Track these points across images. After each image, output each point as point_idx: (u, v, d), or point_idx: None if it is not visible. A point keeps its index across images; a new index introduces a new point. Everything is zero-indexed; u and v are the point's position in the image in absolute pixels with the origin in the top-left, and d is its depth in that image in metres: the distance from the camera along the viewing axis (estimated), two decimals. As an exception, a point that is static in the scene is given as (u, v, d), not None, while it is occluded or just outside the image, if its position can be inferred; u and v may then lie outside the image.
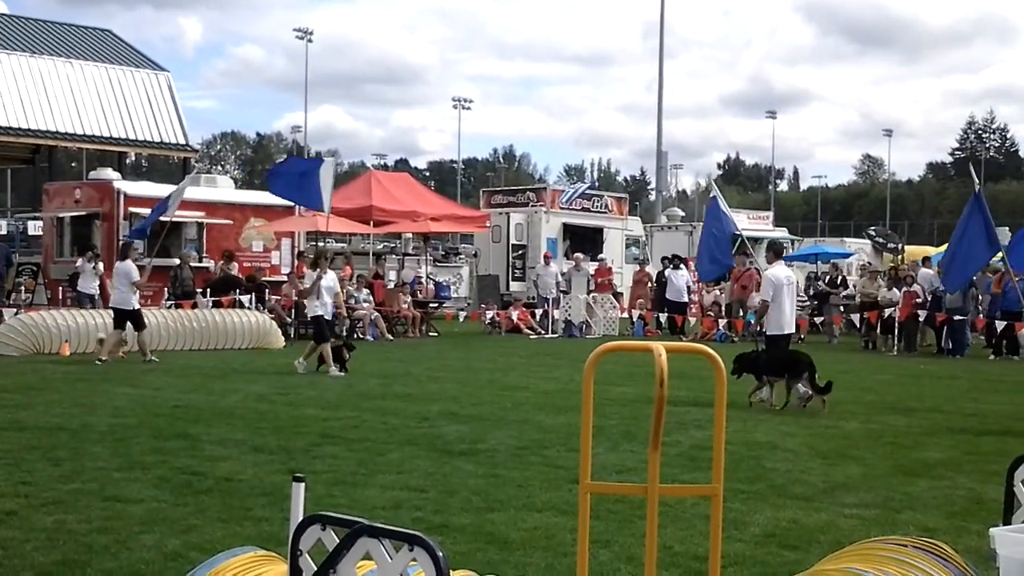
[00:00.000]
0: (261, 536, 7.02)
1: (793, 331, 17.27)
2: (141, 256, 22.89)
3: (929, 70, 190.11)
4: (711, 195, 21.99)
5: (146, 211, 28.56)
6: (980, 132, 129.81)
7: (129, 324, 20.31)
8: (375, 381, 17.53)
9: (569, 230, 37.63)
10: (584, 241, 36.88)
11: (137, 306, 20.44)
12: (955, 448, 12.00)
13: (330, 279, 19.56)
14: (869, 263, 41.19)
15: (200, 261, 29.27)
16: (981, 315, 26.99)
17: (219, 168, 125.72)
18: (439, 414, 13.72)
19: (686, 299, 31.14)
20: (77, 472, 9.50)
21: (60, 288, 29.54)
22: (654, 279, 33.20)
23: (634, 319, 31.82)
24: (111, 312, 20.76)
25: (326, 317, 19.24)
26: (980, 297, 27.33)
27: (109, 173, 33.04)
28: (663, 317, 30.67)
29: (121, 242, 21.78)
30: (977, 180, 17.13)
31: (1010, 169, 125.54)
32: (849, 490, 9.54)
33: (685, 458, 10.77)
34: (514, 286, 36.25)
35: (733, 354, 15.50)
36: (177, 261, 27.23)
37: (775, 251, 17.14)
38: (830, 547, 6.37)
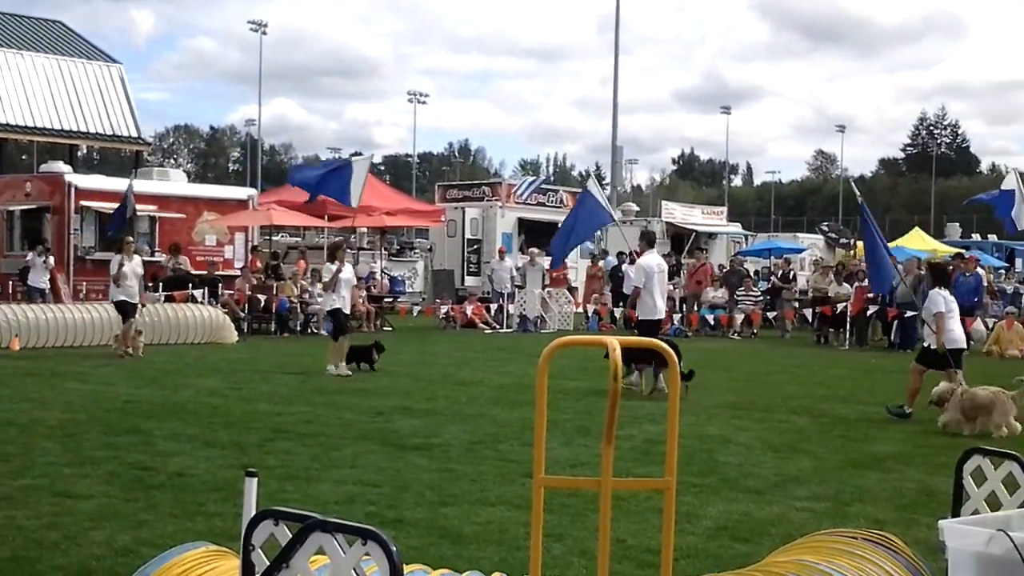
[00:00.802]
0: (213, 531, 6.98)
1: (663, 317, 18.14)
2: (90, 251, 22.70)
3: (881, 66, 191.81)
4: (588, 186, 22.40)
5: (98, 204, 28.38)
6: (931, 128, 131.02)
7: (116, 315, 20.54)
8: (329, 376, 17.47)
9: (524, 225, 37.64)
10: (539, 236, 36.88)
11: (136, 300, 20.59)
12: (905, 441, 12.13)
13: (348, 272, 19.08)
14: (822, 258, 41.50)
15: (152, 255, 29.03)
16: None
17: (172, 161, 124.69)
18: (393, 409, 13.70)
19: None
20: (27, 468, 9.40)
21: (10, 282, 29.19)
22: (608, 274, 33.28)
23: (589, 314, 31.89)
24: (113, 306, 20.83)
25: (344, 311, 18.69)
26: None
27: (60, 166, 32.68)
28: (618, 312, 30.76)
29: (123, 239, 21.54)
30: (859, 193, 17.36)
31: (961, 165, 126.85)
32: (800, 483, 9.62)
33: (639, 452, 10.82)
34: (469, 281, 36.24)
35: (686, 349, 15.62)
36: (129, 255, 26.99)
37: (648, 240, 18.05)
38: (781, 540, 6.42)
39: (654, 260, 17.43)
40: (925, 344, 14.79)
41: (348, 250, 32.95)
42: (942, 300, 14.37)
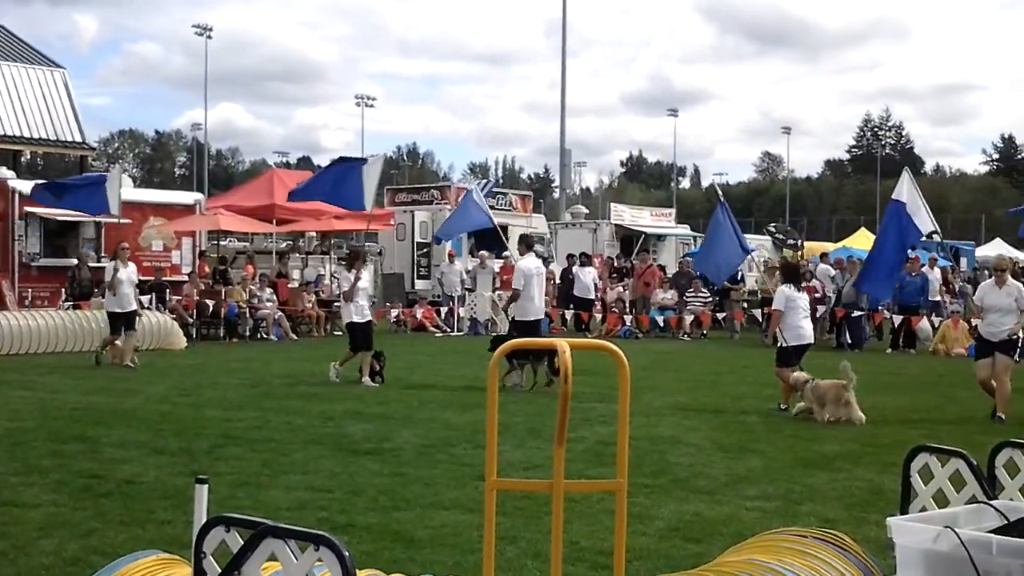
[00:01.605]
0: (164, 539, 6.93)
1: (541, 317, 18.87)
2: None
3: (826, 69, 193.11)
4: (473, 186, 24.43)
5: (42, 211, 28.00)
6: (876, 130, 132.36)
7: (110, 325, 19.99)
8: (279, 381, 17.38)
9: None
10: (489, 239, 36.86)
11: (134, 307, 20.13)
12: (854, 440, 12.24)
13: (366, 280, 18.43)
14: (770, 259, 41.81)
15: (99, 261, 28.70)
16: (881, 310, 27.51)
17: (117, 166, 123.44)
18: (344, 413, 13.65)
19: (592, 296, 31.32)
20: (-28, 477, 9.28)
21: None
22: (558, 276, 33.33)
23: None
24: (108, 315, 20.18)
25: (361, 322, 17.67)
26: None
27: (4, 172, 32.24)
28: (569, 314, 30.82)
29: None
30: (721, 194, 18.12)
31: (905, 166, 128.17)
32: (751, 483, 9.68)
33: (591, 453, 10.85)
34: (419, 284, 36.12)
35: (637, 350, 15.69)
36: (75, 261, 26.74)
37: (527, 244, 18.82)
38: (732, 539, 6.46)
39: (533, 263, 18.01)
40: (778, 345, 15.31)
41: (250, 255, 32.83)
42: (784, 298, 15.00)
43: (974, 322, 19.16)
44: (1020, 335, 14.62)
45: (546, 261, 35.63)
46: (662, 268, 34.40)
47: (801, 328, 15.01)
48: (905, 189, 16.30)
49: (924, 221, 16.01)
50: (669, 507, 8.52)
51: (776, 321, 15.08)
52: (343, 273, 18.90)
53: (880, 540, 6.39)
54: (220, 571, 3.46)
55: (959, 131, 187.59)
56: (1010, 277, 14.51)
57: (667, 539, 7.53)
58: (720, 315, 30.62)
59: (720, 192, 18.18)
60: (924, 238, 20.75)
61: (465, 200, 23.35)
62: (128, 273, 19.81)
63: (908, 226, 16.17)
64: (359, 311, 17.65)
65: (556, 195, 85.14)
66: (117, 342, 19.79)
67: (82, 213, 26.39)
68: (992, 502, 4.95)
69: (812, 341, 15.66)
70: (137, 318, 20.29)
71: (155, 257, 30.58)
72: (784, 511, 8.47)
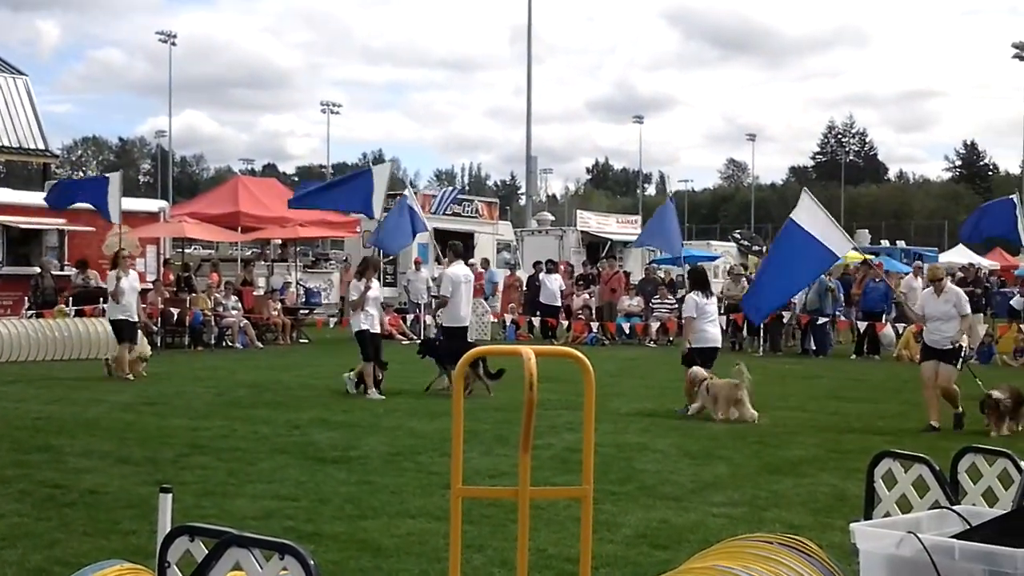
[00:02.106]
0: (128, 549, 6.89)
1: (467, 324, 18.97)
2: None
3: (790, 76, 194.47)
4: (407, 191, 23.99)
5: (5, 218, 27.77)
6: (840, 136, 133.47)
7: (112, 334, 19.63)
8: (245, 390, 17.29)
9: (440, 235, 37.56)
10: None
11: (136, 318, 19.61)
12: (819, 446, 12.30)
13: (377, 290, 17.83)
14: (736, 265, 42.00)
15: (62, 269, 28.52)
16: (842, 316, 27.67)
17: (81, 174, 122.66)
18: (310, 421, 13.60)
19: (559, 303, 31.35)
20: (-66, 488, 9.19)
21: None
22: (524, 283, 33.35)
23: (506, 323, 31.92)
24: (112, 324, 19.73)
25: (372, 331, 17.15)
26: (840, 298, 27.96)
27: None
28: (536, 321, 30.84)
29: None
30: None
31: (869, 172, 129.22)
32: (717, 489, 9.72)
33: (558, 460, 10.86)
34: (385, 291, 36.04)
35: (603, 357, 15.75)
36: (38, 269, 26.52)
37: (455, 252, 18.88)
38: (699, 546, 6.48)
39: (461, 271, 18.38)
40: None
41: (215, 263, 32.57)
42: (694, 305, 15.81)
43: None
44: (963, 342, 14.67)
45: (512, 268, 35.76)
46: (627, 275, 34.50)
47: (706, 332, 15.83)
48: (805, 213, 14.60)
49: (839, 243, 14.85)
50: (636, 514, 8.53)
51: (690, 327, 15.98)
52: (353, 282, 18.57)
53: (845, 546, 6.42)
54: (185, 581, 3.44)
55: (922, 137, 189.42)
56: (948, 283, 14.68)
57: (634, 546, 7.54)
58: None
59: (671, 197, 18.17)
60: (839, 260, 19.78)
61: (400, 205, 22.18)
62: (130, 281, 19.27)
63: (816, 258, 14.96)
64: (368, 320, 17.21)
65: (522, 202, 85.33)
66: (112, 352, 19.34)
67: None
68: (955, 507, 4.99)
69: (718, 345, 16.41)
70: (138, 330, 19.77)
71: (119, 265, 30.33)
72: (750, 517, 8.50)
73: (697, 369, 15.00)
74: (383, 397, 16.44)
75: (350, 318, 18.64)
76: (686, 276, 25.21)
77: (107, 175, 25.30)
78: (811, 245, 14.21)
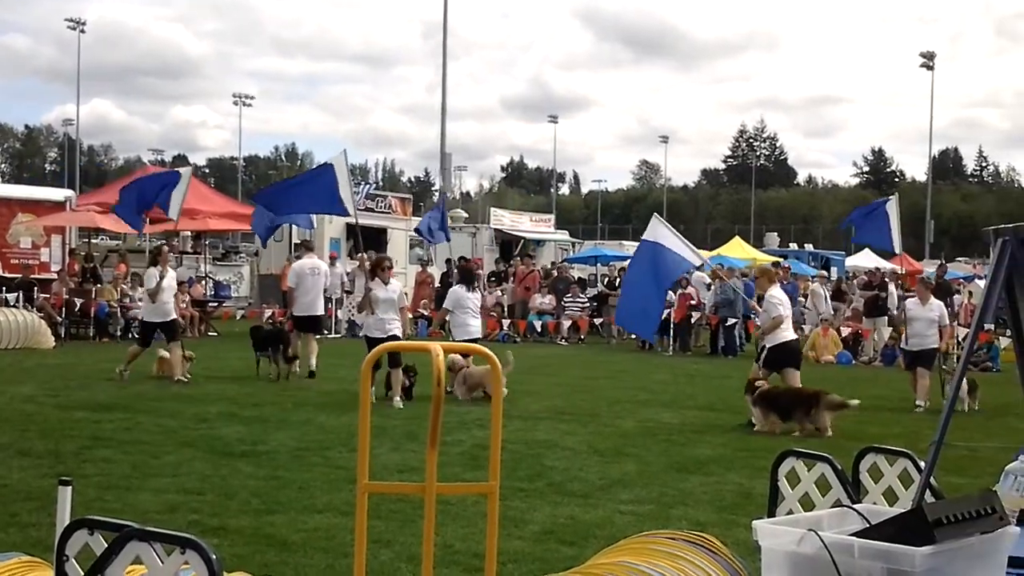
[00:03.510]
0: (28, 542, 6.77)
1: (321, 314, 20.69)
2: None
3: (702, 78, 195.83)
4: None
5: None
6: (751, 140, 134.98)
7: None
8: (151, 383, 17.06)
9: (353, 230, 37.35)
10: (368, 241, 36.66)
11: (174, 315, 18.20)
12: (726, 446, 12.44)
13: (386, 291, 15.88)
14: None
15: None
16: (754, 317, 27.99)
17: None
18: (218, 415, 13.46)
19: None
20: None
21: None
22: (437, 280, 33.30)
23: (419, 320, 31.83)
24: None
25: (379, 336, 15.32)
26: (746, 300, 28.27)
27: None
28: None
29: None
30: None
31: (779, 177, 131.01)
32: (625, 486, 9.79)
33: (467, 457, 10.87)
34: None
35: (515, 354, 15.82)
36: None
37: (306, 247, 21.25)
38: (606, 542, 6.51)
39: (308, 263, 19.87)
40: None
41: (122, 254, 31.94)
42: (456, 297, 17.12)
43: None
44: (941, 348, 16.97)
45: (425, 264, 35.69)
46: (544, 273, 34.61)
47: (469, 325, 16.95)
48: (660, 232, 15.75)
49: (691, 256, 16.24)
50: (544, 510, 8.56)
51: (442, 317, 17.73)
52: (358, 282, 17.85)
53: (749, 542, 6.48)
54: (84, 574, 3.39)
55: (831, 143, 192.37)
56: (932, 298, 17.14)
57: (541, 542, 7.57)
58: (598, 320, 30.88)
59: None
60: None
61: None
62: (170, 280, 17.88)
63: (671, 263, 15.80)
64: (380, 325, 15.59)
65: (436, 198, 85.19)
66: (163, 353, 17.96)
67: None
68: (855, 506, 5.08)
69: (479, 336, 17.38)
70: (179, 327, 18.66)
71: (23, 254, 29.79)
72: (657, 514, 8.57)
73: (454, 357, 15.65)
74: (402, 407, 14.91)
75: (363, 321, 17.32)
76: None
77: (178, 170, 23.93)
78: (664, 254, 15.57)
